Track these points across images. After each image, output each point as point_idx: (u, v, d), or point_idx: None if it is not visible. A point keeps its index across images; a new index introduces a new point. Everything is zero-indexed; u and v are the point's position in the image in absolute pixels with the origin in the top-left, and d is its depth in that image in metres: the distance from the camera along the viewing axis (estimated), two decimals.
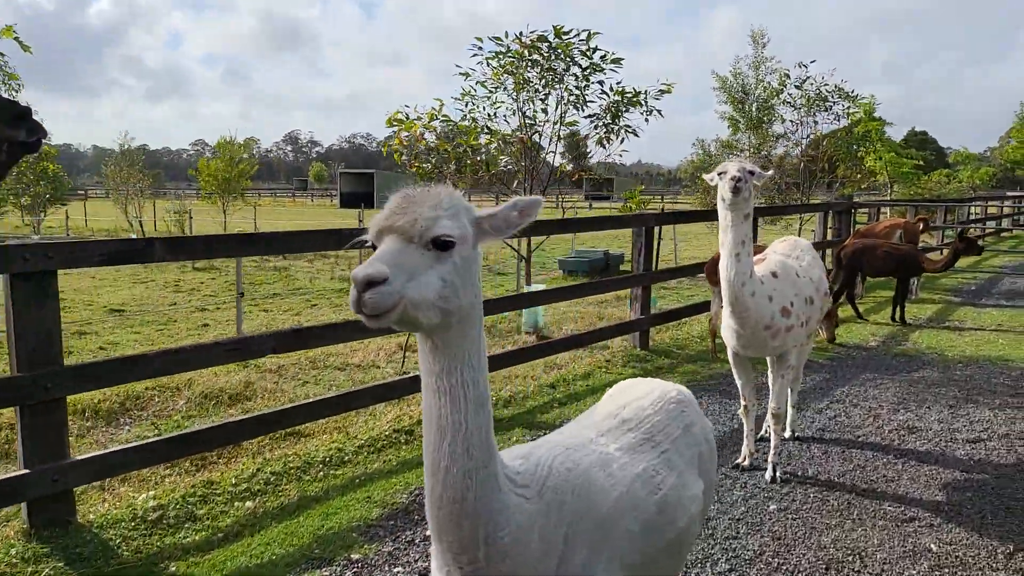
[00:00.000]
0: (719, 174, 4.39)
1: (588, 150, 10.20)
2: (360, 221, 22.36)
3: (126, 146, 26.31)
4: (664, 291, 12.56)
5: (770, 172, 4.92)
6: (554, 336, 9.25)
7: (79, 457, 3.83)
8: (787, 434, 5.51)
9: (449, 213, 1.58)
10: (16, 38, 5.20)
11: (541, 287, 9.32)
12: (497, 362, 6.68)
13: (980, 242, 10.37)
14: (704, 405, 6.28)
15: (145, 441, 4.38)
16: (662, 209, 14.87)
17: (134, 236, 21.75)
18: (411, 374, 6.15)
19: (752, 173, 4.35)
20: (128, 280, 14.82)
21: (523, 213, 1.70)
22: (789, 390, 5.54)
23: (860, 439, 5.48)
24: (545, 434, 5.16)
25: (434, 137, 8.43)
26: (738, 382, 4.93)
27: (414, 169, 8.86)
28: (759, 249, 6.53)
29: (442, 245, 1.54)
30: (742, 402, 4.93)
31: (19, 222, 27.11)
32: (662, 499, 2.02)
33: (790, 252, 5.12)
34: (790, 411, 5.58)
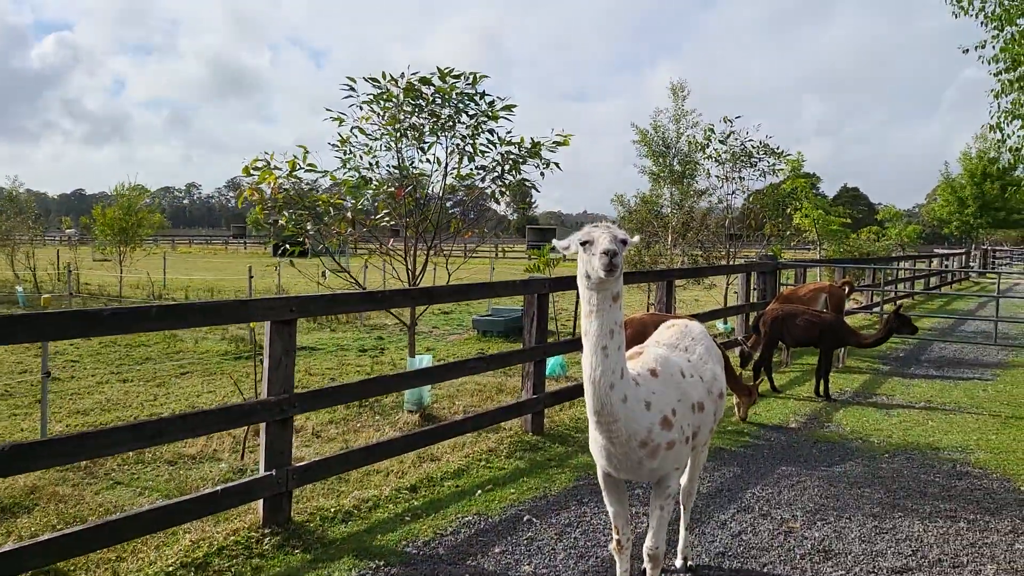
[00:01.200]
0: (583, 243, 3.36)
1: (490, 204, 9.29)
2: (250, 278, 21.17)
3: (15, 192, 24.37)
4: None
5: (636, 238, 3.92)
6: (443, 414, 8.16)
7: None
8: (678, 562, 4.47)
9: None
10: None
11: (427, 359, 8.23)
12: (350, 460, 5.52)
13: (913, 320, 9.64)
14: (588, 516, 5.22)
15: None
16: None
17: (20, 288, 19.98)
18: (230, 483, 4.95)
19: (624, 242, 3.37)
20: None
21: None
22: (682, 508, 4.53)
23: (766, 569, 4.47)
24: (383, 565, 3.88)
25: (294, 189, 7.33)
26: (609, 510, 3.87)
27: (284, 222, 7.74)
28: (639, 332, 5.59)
29: None
30: (614, 535, 3.87)
31: None
32: None
33: (676, 342, 4.14)
34: (683, 533, 4.55)
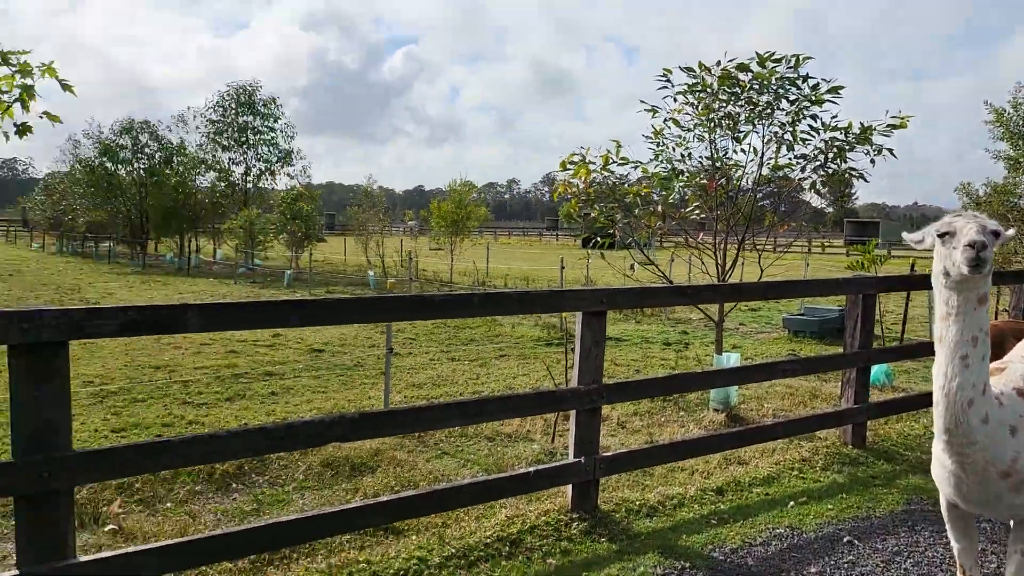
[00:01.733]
0: (942, 235, 2.96)
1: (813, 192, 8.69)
2: (560, 267, 21.82)
3: (369, 188, 28.42)
4: (913, 365, 10.31)
5: (1011, 232, 3.31)
6: (751, 416, 7.80)
7: (85, 559, 3.34)
8: None
9: None
10: (57, 77, 5.07)
11: (735, 357, 7.92)
12: (655, 455, 5.49)
13: None
14: (921, 546, 4.63)
15: (183, 539, 3.71)
16: (912, 267, 12.41)
17: (371, 272, 23.05)
18: (541, 465, 5.20)
19: (996, 235, 2.91)
20: None
21: None
22: None
23: None
24: (688, 567, 3.85)
25: (605, 183, 7.47)
26: (955, 546, 3.38)
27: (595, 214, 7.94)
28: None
29: None
30: (959, 574, 3.37)
31: (286, 254, 30.11)
32: None
33: None
34: None
